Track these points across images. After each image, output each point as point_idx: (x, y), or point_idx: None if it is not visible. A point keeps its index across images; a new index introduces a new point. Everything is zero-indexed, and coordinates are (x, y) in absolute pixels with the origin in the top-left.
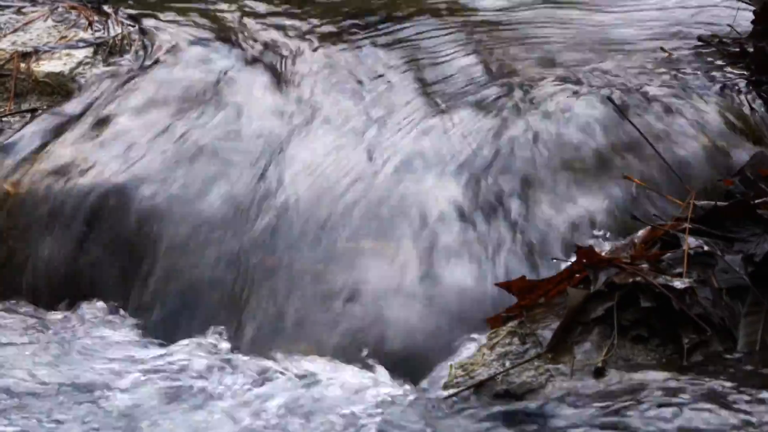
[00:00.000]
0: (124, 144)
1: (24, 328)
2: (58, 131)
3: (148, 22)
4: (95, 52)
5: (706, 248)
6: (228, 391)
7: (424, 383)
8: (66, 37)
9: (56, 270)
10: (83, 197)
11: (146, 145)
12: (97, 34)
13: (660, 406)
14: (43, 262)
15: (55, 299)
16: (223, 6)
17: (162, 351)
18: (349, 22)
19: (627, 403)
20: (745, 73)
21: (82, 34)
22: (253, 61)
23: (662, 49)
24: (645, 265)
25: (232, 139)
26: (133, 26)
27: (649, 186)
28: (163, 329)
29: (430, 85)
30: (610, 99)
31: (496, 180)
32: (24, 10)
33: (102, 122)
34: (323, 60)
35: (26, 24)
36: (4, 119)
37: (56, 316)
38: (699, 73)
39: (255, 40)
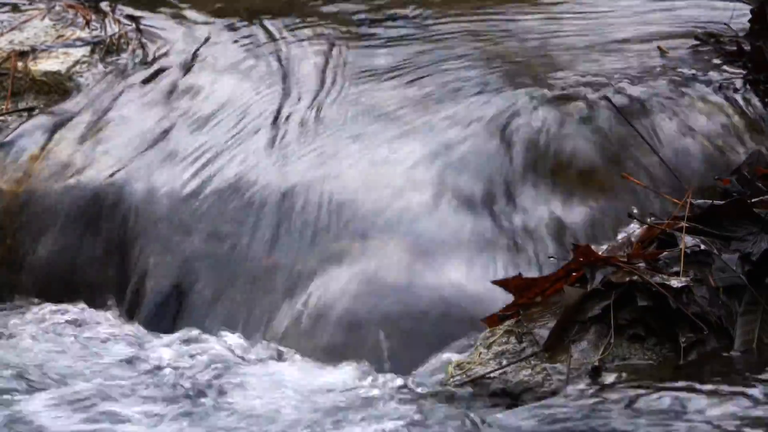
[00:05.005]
0: (121, 143)
1: (22, 325)
2: (55, 130)
3: (146, 21)
4: (92, 51)
5: (702, 247)
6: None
7: (421, 382)
8: (63, 35)
9: (54, 268)
10: (81, 196)
11: (143, 144)
12: (95, 33)
13: (657, 405)
14: (42, 259)
15: (52, 296)
16: (222, 4)
17: (157, 345)
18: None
19: (624, 403)
20: (742, 71)
21: (79, 33)
22: (252, 57)
23: (659, 48)
24: (642, 264)
25: (230, 137)
26: (131, 25)
27: (647, 185)
28: (159, 324)
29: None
30: (607, 98)
31: (496, 175)
32: (21, 8)
33: (99, 121)
34: (325, 48)
35: (23, 22)
36: (1, 118)
37: (54, 312)
38: (696, 71)
39: (255, 36)
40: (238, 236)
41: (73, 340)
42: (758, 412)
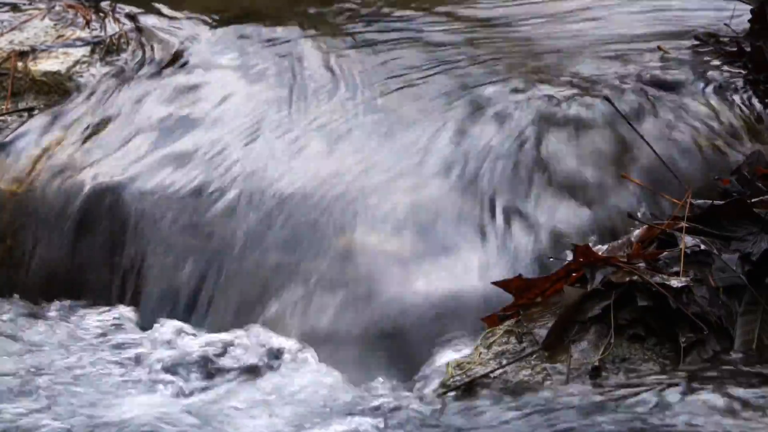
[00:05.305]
0: (121, 143)
1: (22, 324)
2: (55, 130)
3: (145, 20)
4: (92, 51)
5: (702, 247)
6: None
7: (421, 382)
8: (63, 35)
9: (53, 267)
10: (81, 196)
11: (144, 144)
12: (95, 33)
13: (657, 405)
14: (42, 259)
15: (52, 296)
16: (223, 3)
17: (157, 343)
18: None
19: (624, 403)
20: (742, 71)
21: (79, 33)
22: (252, 56)
23: (659, 47)
24: (642, 264)
25: (231, 136)
26: (130, 24)
27: (646, 185)
28: (160, 322)
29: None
30: (607, 98)
31: (495, 175)
32: (21, 8)
33: (99, 121)
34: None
35: (24, 22)
36: (1, 118)
37: (53, 311)
38: (696, 71)
39: (255, 34)
40: (240, 235)
41: (72, 339)
42: (758, 412)
